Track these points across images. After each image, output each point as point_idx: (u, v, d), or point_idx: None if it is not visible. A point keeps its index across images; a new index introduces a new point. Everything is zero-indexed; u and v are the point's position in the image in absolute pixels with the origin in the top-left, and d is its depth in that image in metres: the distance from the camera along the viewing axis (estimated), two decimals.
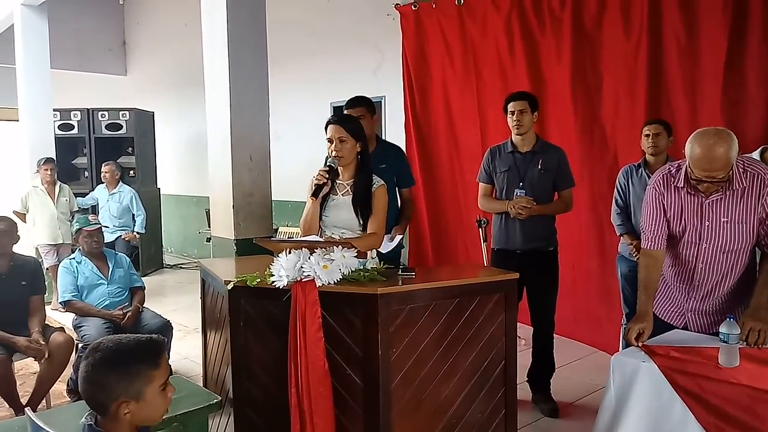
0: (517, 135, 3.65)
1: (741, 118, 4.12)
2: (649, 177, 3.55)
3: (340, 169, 2.93)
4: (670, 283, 2.70)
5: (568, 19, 5.00)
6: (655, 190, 2.61)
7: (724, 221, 2.46)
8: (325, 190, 2.89)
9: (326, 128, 2.94)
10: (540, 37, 5.27)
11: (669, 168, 2.60)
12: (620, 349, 4.02)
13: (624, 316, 4.07)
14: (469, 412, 2.59)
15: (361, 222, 2.89)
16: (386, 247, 2.72)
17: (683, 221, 2.54)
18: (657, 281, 2.66)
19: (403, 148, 6.30)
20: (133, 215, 7.17)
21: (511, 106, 3.63)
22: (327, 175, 2.85)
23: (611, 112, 4.83)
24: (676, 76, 4.45)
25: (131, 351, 1.55)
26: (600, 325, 4.76)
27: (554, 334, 3.84)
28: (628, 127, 4.57)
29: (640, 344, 2.44)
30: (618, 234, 4.06)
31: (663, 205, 2.58)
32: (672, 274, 2.67)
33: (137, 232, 7.12)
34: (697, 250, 2.53)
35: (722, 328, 2.18)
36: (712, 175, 2.34)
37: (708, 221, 2.48)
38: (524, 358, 3.36)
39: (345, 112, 3.71)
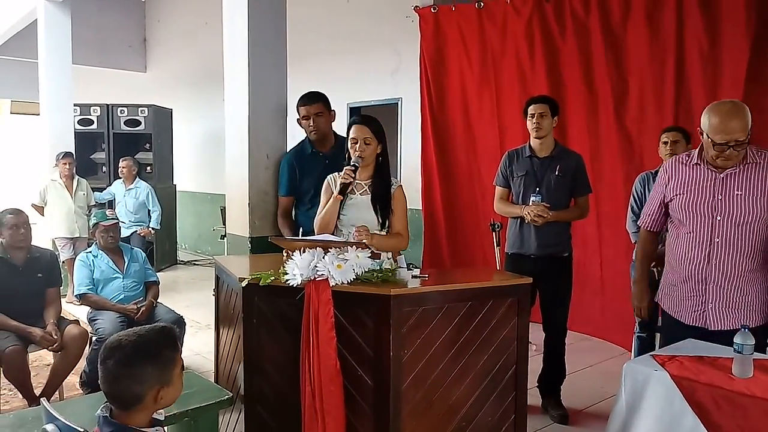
0: (535, 138, 3.63)
1: (762, 128, 4.11)
2: None
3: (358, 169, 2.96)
4: (685, 274, 2.68)
5: (594, 24, 5.02)
6: (662, 174, 2.76)
7: (738, 194, 2.52)
8: (349, 188, 2.93)
9: (350, 128, 2.94)
10: (561, 42, 5.28)
11: (680, 155, 2.75)
12: (632, 356, 4.00)
13: (636, 324, 4.04)
14: (479, 416, 2.58)
15: (380, 220, 2.92)
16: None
17: (694, 195, 2.60)
18: (653, 256, 2.91)
19: (419, 150, 6.35)
20: (149, 211, 7.24)
21: (531, 109, 3.61)
22: (353, 174, 2.87)
23: (637, 117, 4.86)
24: (698, 83, 4.45)
25: (157, 340, 1.61)
26: (627, 326, 4.75)
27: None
28: (656, 132, 4.53)
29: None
30: (633, 241, 4.03)
31: (665, 188, 2.72)
32: (687, 261, 2.66)
33: (152, 228, 7.19)
34: (712, 223, 2.57)
35: (736, 339, 2.16)
36: (734, 138, 2.43)
37: (721, 195, 2.55)
38: (535, 364, 3.35)
39: (302, 107, 3.68)
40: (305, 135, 3.81)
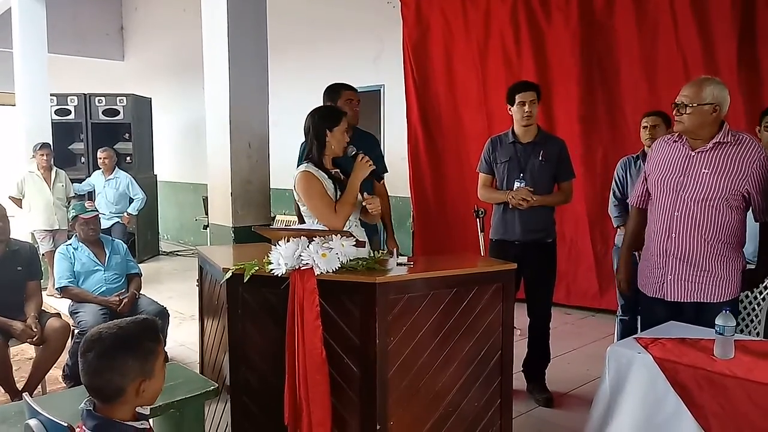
0: (524, 126, 3.59)
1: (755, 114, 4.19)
2: None
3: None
4: (651, 247, 2.81)
5: (580, 7, 5.07)
6: (649, 153, 2.93)
7: (705, 172, 2.62)
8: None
9: (339, 120, 2.89)
10: (546, 26, 5.31)
11: (671, 135, 2.85)
12: (615, 339, 4.04)
13: (619, 307, 4.08)
14: (465, 401, 2.60)
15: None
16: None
17: (665, 170, 2.72)
18: (641, 233, 2.93)
19: (406, 137, 6.34)
20: (130, 199, 7.16)
21: (520, 97, 3.53)
22: None
23: (627, 99, 4.97)
24: (686, 65, 4.57)
25: (139, 332, 1.59)
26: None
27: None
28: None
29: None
30: (615, 226, 4.07)
31: (647, 165, 2.86)
32: (652, 234, 2.80)
33: (128, 213, 7.09)
34: (676, 198, 2.68)
35: (718, 320, 2.19)
36: (681, 99, 2.59)
37: (689, 172, 2.65)
38: (519, 348, 3.37)
39: (345, 92, 3.65)
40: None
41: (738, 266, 2.71)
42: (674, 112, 2.64)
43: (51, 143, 6.88)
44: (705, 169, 2.62)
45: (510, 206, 3.56)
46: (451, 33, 5.93)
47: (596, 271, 5.39)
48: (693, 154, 2.65)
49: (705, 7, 4.49)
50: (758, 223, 2.73)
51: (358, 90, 3.79)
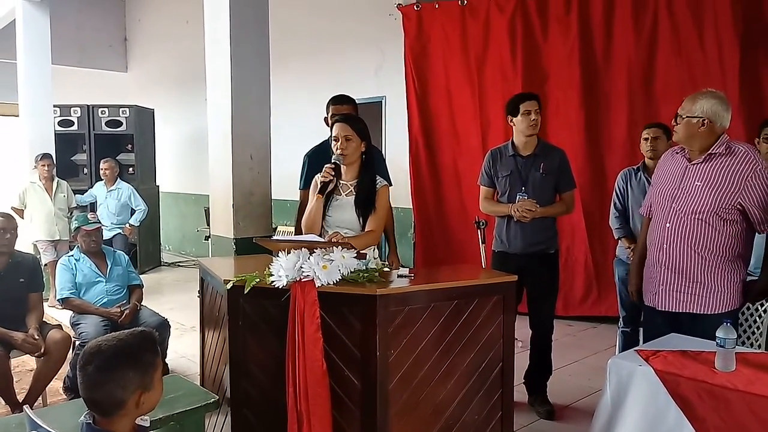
0: (528, 136, 3.57)
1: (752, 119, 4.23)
2: (648, 180, 3.58)
3: (343, 168, 2.94)
4: (648, 258, 2.86)
5: (577, 20, 5.11)
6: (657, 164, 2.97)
7: (697, 185, 2.64)
8: (330, 187, 2.90)
9: (332, 126, 2.94)
10: (543, 39, 5.35)
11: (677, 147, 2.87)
12: (617, 351, 4.03)
13: (621, 319, 4.07)
14: (467, 414, 2.59)
15: (362, 222, 2.91)
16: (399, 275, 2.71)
17: (664, 181, 2.77)
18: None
19: (407, 148, 6.36)
20: (132, 211, 7.16)
21: (526, 106, 3.51)
22: (333, 173, 2.85)
23: (624, 111, 4.99)
24: (686, 77, 4.60)
25: (138, 344, 1.60)
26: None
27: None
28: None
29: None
30: (616, 237, 4.06)
31: (653, 175, 2.92)
32: (649, 245, 2.86)
33: (130, 224, 7.09)
34: (669, 209, 2.71)
35: (719, 333, 2.19)
36: (679, 111, 2.64)
37: (683, 185, 2.68)
38: (521, 360, 3.36)
39: (332, 107, 3.68)
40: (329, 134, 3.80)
41: (735, 279, 2.69)
42: (672, 122, 2.72)
43: (53, 154, 6.90)
44: (698, 181, 2.64)
45: (514, 218, 3.56)
46: (450, 45, 5.97)
47: (596, 279, 5.43)
48: (689, 166, 2.69)
49: (704, 18, 4.51)
50: (762, 234, 2.72)
51: (358, 101, 3.81)
